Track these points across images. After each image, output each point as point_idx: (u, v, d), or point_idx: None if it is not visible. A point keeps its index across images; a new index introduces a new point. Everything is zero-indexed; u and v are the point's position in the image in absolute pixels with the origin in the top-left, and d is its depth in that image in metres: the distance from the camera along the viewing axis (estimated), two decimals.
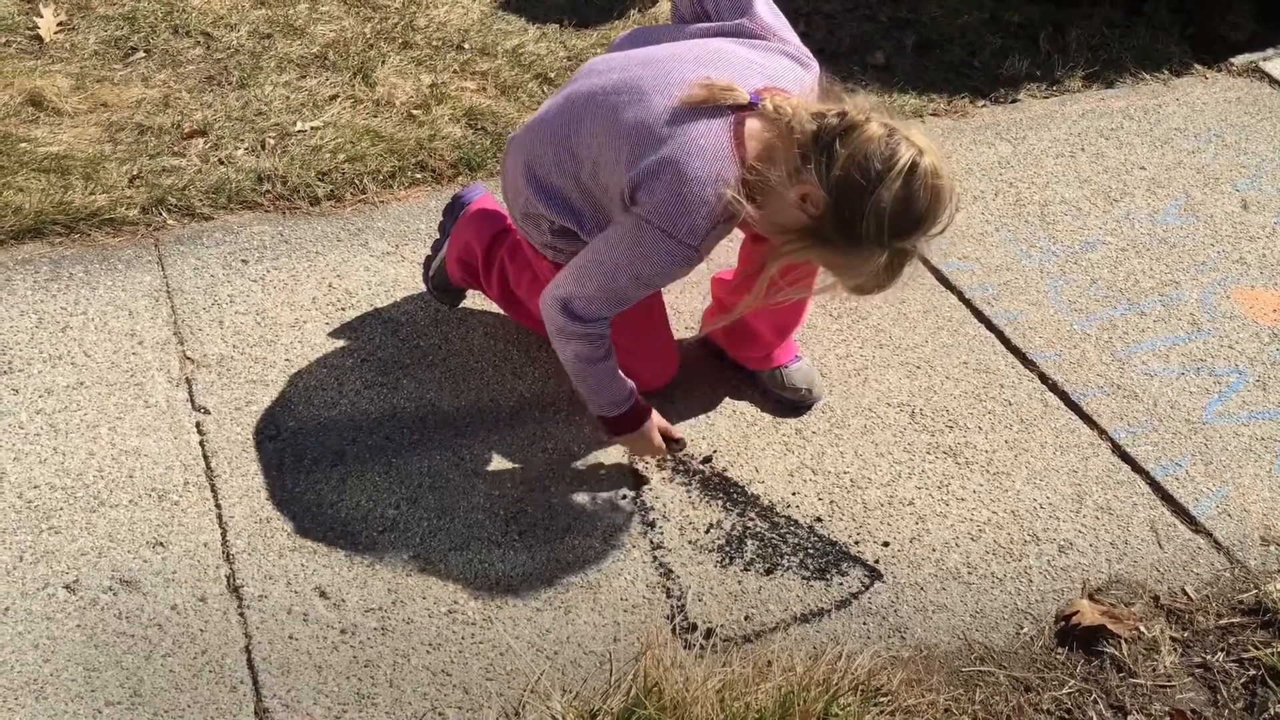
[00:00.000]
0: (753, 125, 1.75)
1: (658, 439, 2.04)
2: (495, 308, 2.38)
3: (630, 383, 1.99)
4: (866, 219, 1.65)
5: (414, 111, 2.88)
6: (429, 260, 2.34)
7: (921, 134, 1.69)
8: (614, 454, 2.11)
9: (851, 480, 2.11)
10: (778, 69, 1.83)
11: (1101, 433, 2.23)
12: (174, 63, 2.99)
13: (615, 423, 2.00)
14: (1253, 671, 1.84)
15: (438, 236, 2.33)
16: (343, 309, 2.36)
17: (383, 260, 2.48)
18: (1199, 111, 3.17)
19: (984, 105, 3.16)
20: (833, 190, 1.67)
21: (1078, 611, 1.89)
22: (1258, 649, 1.86)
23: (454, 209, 2.30)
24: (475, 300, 2.40)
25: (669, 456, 2.10)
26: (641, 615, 1.85)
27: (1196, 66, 3.36)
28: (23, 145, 2.62)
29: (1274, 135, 3.10)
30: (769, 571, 1.94)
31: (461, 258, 2.24)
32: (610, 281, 1.83)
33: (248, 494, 1.99)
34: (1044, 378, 2.34)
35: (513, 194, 2.00)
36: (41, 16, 3.04)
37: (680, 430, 2.11)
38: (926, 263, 2.58)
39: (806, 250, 1.75)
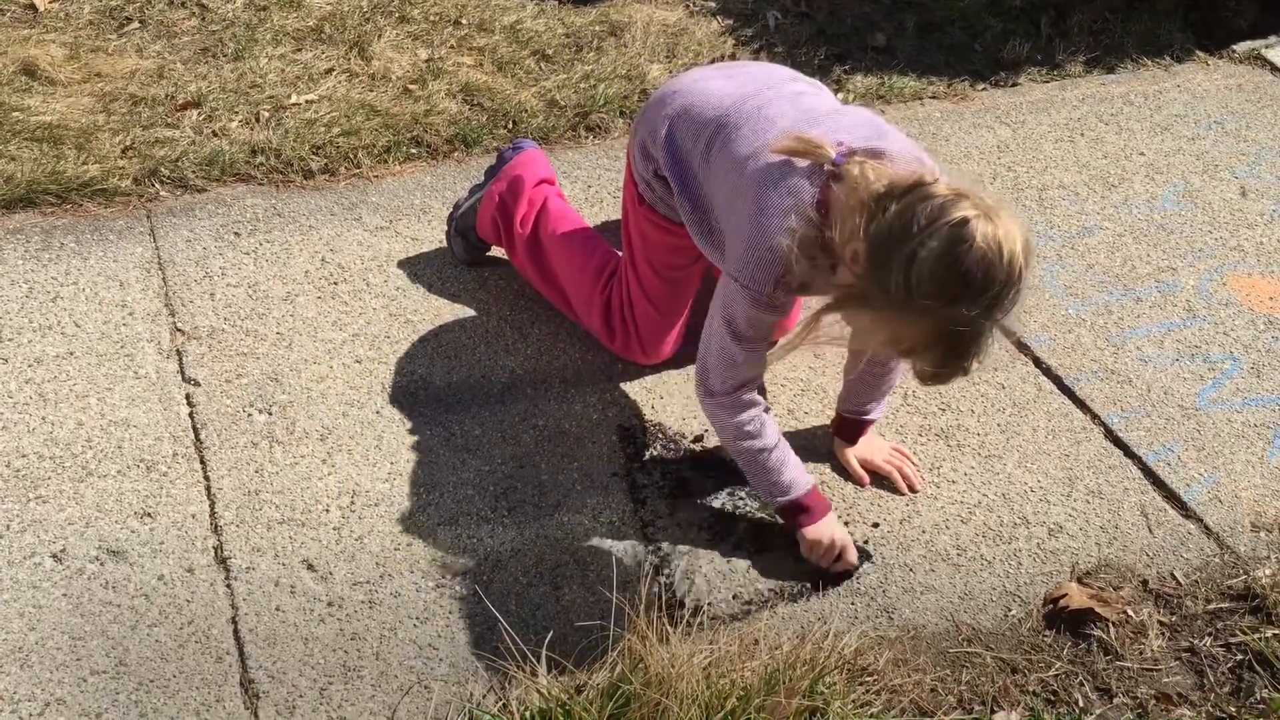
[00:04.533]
0: (839, 186, 1.69)
1: (834, 536, 1.88)
2: (492, 284, 2.37)
3: (804, 480, 1.89)
4: (895, 272, 1.55)
5: (410, 86, 2.86)
6: (459, 202, 2.39)
7: (1012, 214, 1.55)
8: (605, 432, 2.10)
9: None
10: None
11: (1094, 417, 2.23)
12: (169, 34, 2.97)
13: (781, 512, 1.91)
14: (1239, 656, 1.84)
15: (480, 181, 2.40)
16: (335, 283, 2.35)
17: (376, 235, 2.47)
18: (1200, 98, 3.16)
19: (984, 89, 3.14)
20: (872, 242, 1.59)
21: (1066, 594, 1.89)
22: (1245, 634, 1.86)
23: (506, 154, 2.38)
24: (469, 277, 2.39)
25: (840, 561, 1.90)
26: (629, 592, 1.85)
27: (1198, 53, 3.35)
28: (15, 114, 2.61)
29: (1274, 123, 3.08)
30: (758, 550, 1.94)
31: (503, 193, 2.29)
32: (718, 343, 1.83)
33: (236, 466, 1.98)
34: (1038, 362, 2.33)
35: (650, 124, 1.99)
36: None
37: (847, 538, 1.90)
38: None
39: (852, 308, 1.67)
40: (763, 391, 1.91)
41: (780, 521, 1.93)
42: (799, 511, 1.89)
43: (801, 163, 1.72)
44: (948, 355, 1.60)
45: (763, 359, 1.85)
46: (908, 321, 1.60)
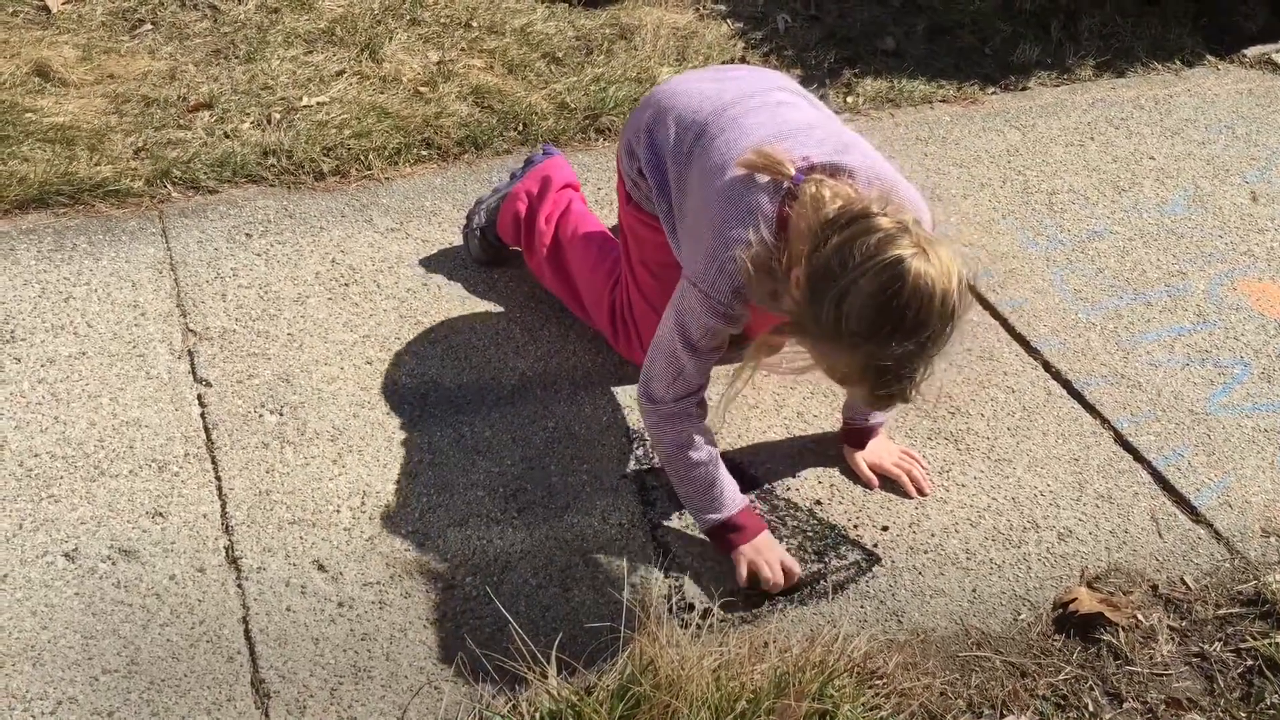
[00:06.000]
0: (794, 206, 1.69)
1: (769, 558, 1.83)
2: (503, 287, 2.38)
3: (738, 498, 1.87)
4: (828, 305, 1.56)
5: (421, 89, 2.87)
6: (481, 199, 2.41)
7: (950, 252, 1.55)
8: (615, 434, 2.11)
9: None
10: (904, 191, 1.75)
11: (1104, 421, 2.22)
12: (181, 35, 2.98)
13: (711, 534, 1.88)
14: (1250, 661, 1.84)
15: (503, 182, 2.42)
16: (346, 284, 2.35)
17: (386, 236, 2.48)
18: (1210, 102, 3.16)
19: (994, 93, 3.15)
20: (811, 273, 1.59)
21: (1076, 599, 1.89)
22: (1255, 639, 1.86)
23: (535, 158, 2.42)
24: (480, 279, 2.40)
25: (782, 585, 1.84)
26: (639, 594, 1.85)
27: (1209, 57, 3.35)
28: (28, 115, 2.62)
29: None
30: None
31: (531, 192, 2.31)
32: (666, 348, 1.83)
33: (247, 466, 1.99)
34: (1047, 366, 2.33)
35: (636, 124, 2.02)
36: None
37: (784, 555, 1.86)
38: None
39: (793, 333, 1.68)
40: (704, 406, 1.90)
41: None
42: (731, 530, 1.85)
43: (764, 178, 1.72)
44: (880, 388, 1.61)
45: (709, 371, 1.86)
46: (839, 352, 1.61)
